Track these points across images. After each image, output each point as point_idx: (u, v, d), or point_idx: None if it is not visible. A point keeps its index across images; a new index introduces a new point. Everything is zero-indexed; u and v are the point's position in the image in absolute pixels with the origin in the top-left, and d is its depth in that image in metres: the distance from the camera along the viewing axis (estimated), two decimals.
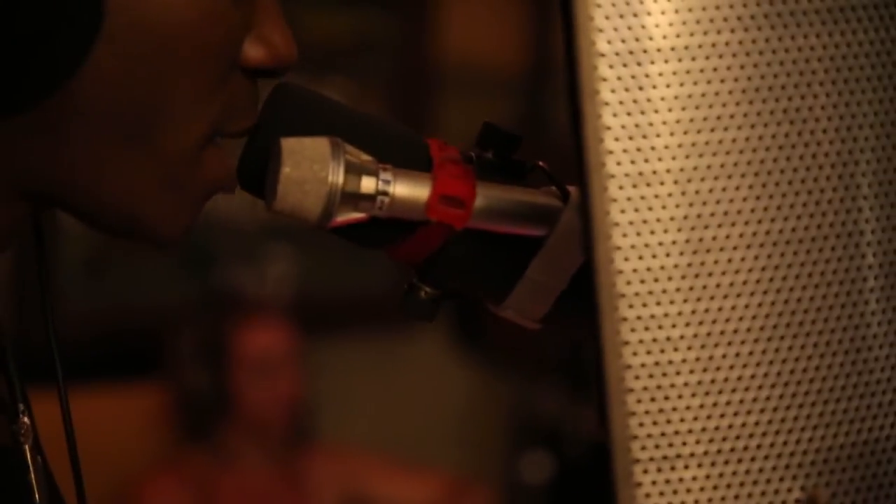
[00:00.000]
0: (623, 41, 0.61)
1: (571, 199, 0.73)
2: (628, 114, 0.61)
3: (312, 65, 3.19)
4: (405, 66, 3.36)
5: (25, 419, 0.74)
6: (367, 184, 0.71)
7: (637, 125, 0.61)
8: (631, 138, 0.61)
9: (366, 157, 0.71)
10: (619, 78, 0.61)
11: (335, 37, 3.25)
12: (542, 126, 3.56)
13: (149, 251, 2.91)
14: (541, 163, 0.76)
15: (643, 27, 0.61)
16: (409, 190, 0.72)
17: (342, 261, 3.20)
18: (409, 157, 0.74)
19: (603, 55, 0.60)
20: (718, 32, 0.61)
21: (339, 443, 2.91)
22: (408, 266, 0.77)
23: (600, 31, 0.60)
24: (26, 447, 0.73)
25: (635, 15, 0.61)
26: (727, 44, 0.61)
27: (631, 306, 0.61)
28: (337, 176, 0.70)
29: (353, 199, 0.71)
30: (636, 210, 0.61)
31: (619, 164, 0.61)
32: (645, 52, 0.61)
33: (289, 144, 0.70)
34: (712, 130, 0.62)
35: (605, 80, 0.61)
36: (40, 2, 0.64)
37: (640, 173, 0.61)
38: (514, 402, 3.42)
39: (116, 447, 2.75)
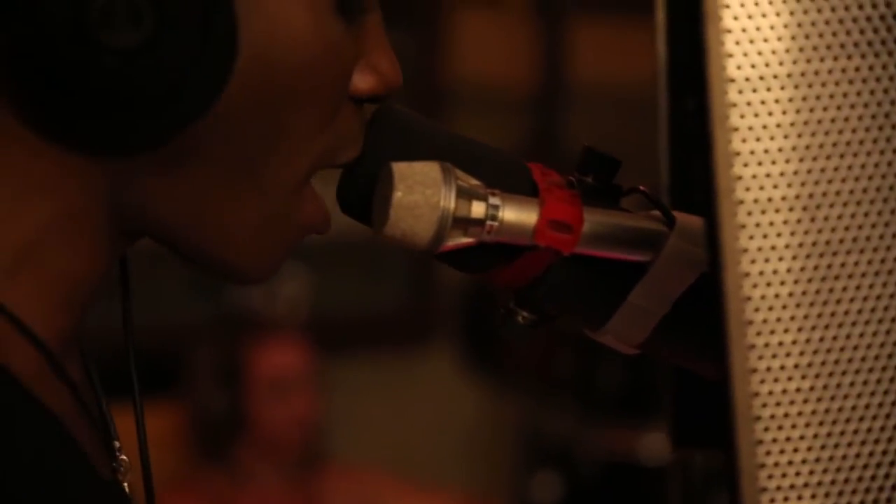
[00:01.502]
0: (752, 66, 0.60)
1: (678, 225, 0.73)
2: (757, 139, 0.60)
3: None
4: (417, 85, 3.36)
5: (124, 457, 0.73)
6: (478, 208, 0.70)
7: (766, 151, 0.60)
8: (759, 164, 0.61)
9: (475, 182, 0.71)
10: (748, 103, 0.60)
11: None
12: (552, 143, 3.57)
13: (165, 271, 2.91)
14: (642, 187, 0.75)
15: (773, 52, 0.60)
16: (517, 214, 0.71)
17: (355, 281, 3.19)
18: (513, 182, 0.73)
19: (733, 80, 0.60)
20: (842, 59, 0.61)
21: (352, 462, 2.90)
22: (505, 289, 0.76)
23: (730, 56, 0.60)
24: (125, 485, 0.73)
25: (765, 40, 0.60)
26: (853, 70, 0.61)
27: (759, 333, 0.61)
28: (449, 201, 0.69)
29: (464, 223, 0.70)
30: (764, 236, 0.61)
31: (747, 189, 0.60)
32: (774, 77, 0.60)
33: (400, 169, 0.70)
34: (839, 157, 0.61)
35: (734, 105, 0.60)
36: (178, 44, 0.63)
37: (769, 199, 0.61)
38: (524, 422, 3.41)
39: (132, 465, 2.74)
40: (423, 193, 0.69)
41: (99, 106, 0.64)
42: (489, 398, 3.43)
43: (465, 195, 0.70)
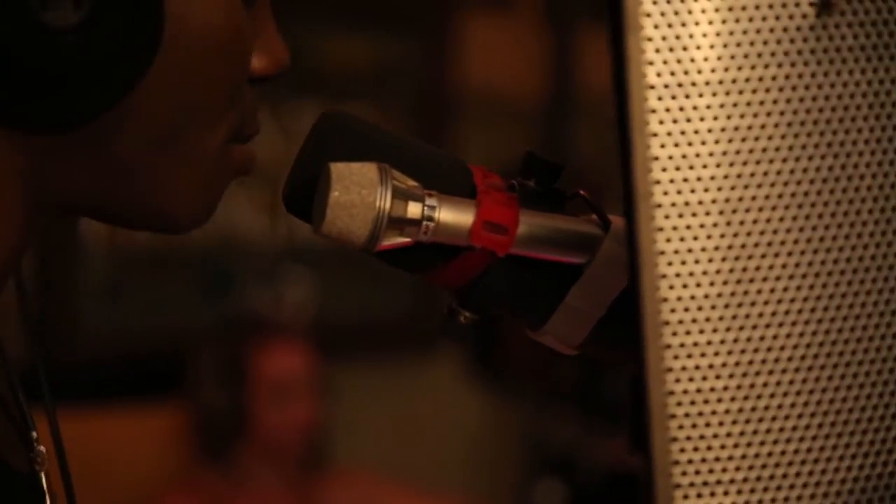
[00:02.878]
0: (672, 73, 0.62)
1: (612, 228, 0.74)
2: (675, 145, 0.62)
3: (334, 90, 3.21)
4: (426, 93, 3.38)
5: (41, 447, 0.75)
6: (414, 209, 0.72)
7: (684, 156, 0.62)
8: (678, 168, 0.62)
9: (412, 183, 0.73)
10: (667, 109, 0.62)
11: (357, 63, 3.27)
12: (561, 153, 3.58)
13: (170, 274, 2.93)
14: (581, 191, 0.77)
15: (692, 60, 0.62)
16: (453, 215, 0.73)
17: (360, 286, 3.21)
18: (453, 184, 0.75)
19: (652, 87, 0.62)
20: (764, 67, 0.63)
21: (353, 467, 2.92)
22: (447, 290, 0.78)
23: (650, 63, 0.62)
24: (42, 474, 0.75)
25: (685, 48, 0.62)
26: (771, 78, 0.63)
27: (675, 334, 0.62)
28: (384, 201, 0.71)
29: (400, 223, 0.72)
30: (681, 239, 0.62)
31: (665, 193, 0.62)
32: (693, 84, 0.62)
33: (338, 169, 0.72)
34: (756, 162, 0.63)
35: (654, 111, 0.62)
36: (113, 24, 0.66)
37: (686, 203, 0.62)
38: (527, 429, 3.42)
39: (135, 467, 2.76)
40: (359, 193, 0.71)
41: (32, 85, 0.66)
42: (493, 405, 3.45)
43: (402, 196, 0.72)
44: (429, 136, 3.38)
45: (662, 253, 0.62)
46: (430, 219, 0.72)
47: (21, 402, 0.77)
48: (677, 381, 0.62)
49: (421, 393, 3.37)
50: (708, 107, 0.62)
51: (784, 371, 0.63)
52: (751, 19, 0.62)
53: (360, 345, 3.25)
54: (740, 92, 0.62)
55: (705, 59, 0.62)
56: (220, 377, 2.70)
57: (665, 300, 0.62)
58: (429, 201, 0.73)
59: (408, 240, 0.73)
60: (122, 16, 0.66)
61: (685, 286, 0.62)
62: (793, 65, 0.63)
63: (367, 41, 3.29)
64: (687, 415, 0.62)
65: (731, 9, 0.62)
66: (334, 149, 0.74)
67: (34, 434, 0.76)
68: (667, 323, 0.62)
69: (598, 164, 3.53)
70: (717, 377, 0.63)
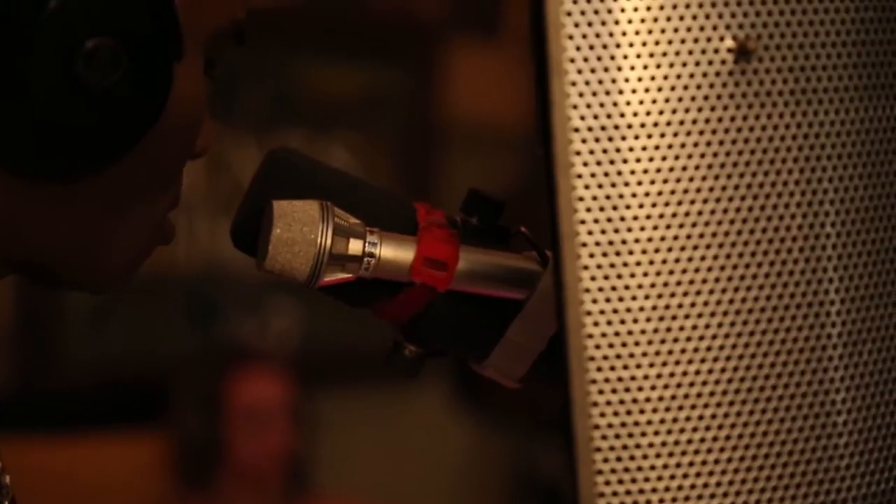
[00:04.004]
0: (596, 117, 0.64)
1: (551, 265, 0.76)
2: (600, 186, 0.64)
3: (321, 119, 3.24)
4: (413, 123, 3.40)
5: (7, 479, 0.77)
6: (354, 246, 0.74)
7: (608, 196, 0.64)
8: (602, 209, 0.64)
9: (354, 220, 0.75)
10: (591, 152, 0.64)
11: (344, 93, 3.30)
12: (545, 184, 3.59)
13: (154, 301, 2.95)
14: (523, 228, 0.79)
15: (615, 104, 0.64)
16: (394, 252, 0.75)
17: (344, 315, 3.22)
18: (396, 221, 0.77)
19: (577, 130, 0.64)
20: (685, 111, 0.65)
21: (338, 495, 2.93)
22: (392, 324, 0.80)
23: (574, 107, 0.64)
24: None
25: (608, 93, 0.64)
26: (692, 121, 0.65)
27: (599, 369, 0.64)
28: (325, 238, 0.73)
29: (341, 260, 0.74)
30: (606, 277, 0.64)
31: (590, 233, 0.64)
32: (617, 127, 0.64)
33: (280, 207, 0.74)
34: (680, 203, 0.65)
35: (578, 153, 0.64)
36: (135, 84, 0.70)
37: (611, 242, 0.64)
38: (512, 458, 3.43)
39: (116, 494, 2.77)
40: (300, 231, 0.73)
41: (53, 134, 0.70)
42: (478, 434, 3.46)
43: (343, 233, 0.74)
44: (415, 165, 3.41)
45: (588, 290, 0.64)
46: (371, 255, 0.74)
47: None
48: (602, 415, 0.64)
49: (406, 421, 3.38)
50: (631, 149, 0.64)
51: (706, 405, 0.65)
52: (672, 65, 0.64)
53: (344, 373, 3.26)
54: (662, 135, 0.64)
55: (628, 104, 0.64)
56: (201, 405, 2.72)
57: (590, 336, 0.64)
58: (370, 238, 0.75)
59: (349, 276, 0.75)
60: (144, 85, 0.71)
61: (610, 323, 0.64)
62: (712, 108, 0.65)
63: (355, 71, 3.31)
64: (612, 448, 0.64)
65: (652, 55, 0.64)
66: (279, 186, 0.77)
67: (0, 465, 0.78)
68: (592, 358, 0.64)
69: None
70: (642, 412, 0.64)
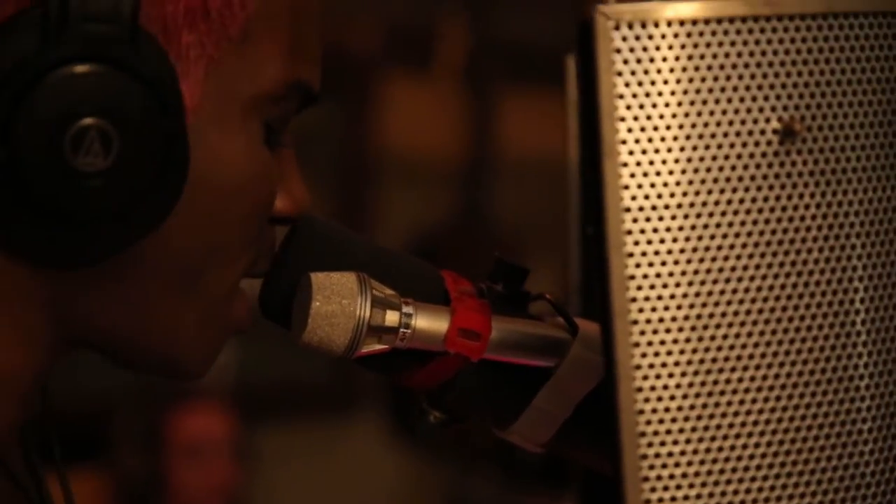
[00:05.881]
0: (647, 197, 0.65)
1: (580, 333, 0.77)
2: (650, 265, 0.65)
3: None
4: (346, 156, 3.41)
5: None
6: (392, 317, 0.75)
7: (658, 275, 0.65)
8: (652, 287, 0.65)
9: (389, 292, 0.75)
10: (642, 231, 0.65)
11: None
12: (479, 217, 3.62)
13: None
14: (548, 295, 0.80)
15: (665, 185, 0.65)
16: (429, 323, 0.75)
17: (281, 349, 3.21)
18: (426, 290, 0.78)
19: (628, 210, 0.65)
20: (732, 191, 0.66)
21: None
22: (417, 390, 0.80)
23: (626, 188, 0.65)
24: None
25: (658, 174, 0.65)
26: (738, 201, 0.66)
27: (650, 445, 0.65)
28: (364, 310, 0.74)
29: (378, 331, 0.74)
30: (656, 354, 0.65)
31: (641, 310, 0.65)
32: (667, 207, 0.65)
33: (318, 279, 0.74)
34: (728, 281, 0.66)
35: (629, 232, 0.65)
36: (136, 172, 0.68)
37: (661, 319, 0.66)
38: (448, 490, 3.44)
39: None
40: (339, 303, 0.73)
41: (57, 223, 0.68)
42: (413, 466, 3.46)
43: (380, 305, 0.74)
44: (351, 198, 3.41)
45: (638, 367, 0.65)
46: (407, 326, 0.75)
47: (45, 496, 0.78)
48: (653, 490, 0.65)
49: (343, 455, 3.37)
50: (679, 228, 0.66)
51: (753, 479, 0.66)
52: (719, 146, 0.66)
53: (281, 407, 3.25)
54: (709, 214, 0.66)
55: (678, 184, 0.65)
56: (141, 441, 2.69)
57: (641, 412, 0.65)
58: (405, 309, 0.75)
59: (385, 346, 0.75)
60: (146, 164, 0.68)
61: (659, 399, 0.65)
62: (758, 188, 0.66)
63: None
64: None
65: (700, 136, 0.66)
66: (313, 257, 0.77)
67: None
68: (643, 434, 0.65)
69: (517, 224, 3.58)
70: (691, 486, 0.66)
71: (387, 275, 0.77)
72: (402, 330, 0.75)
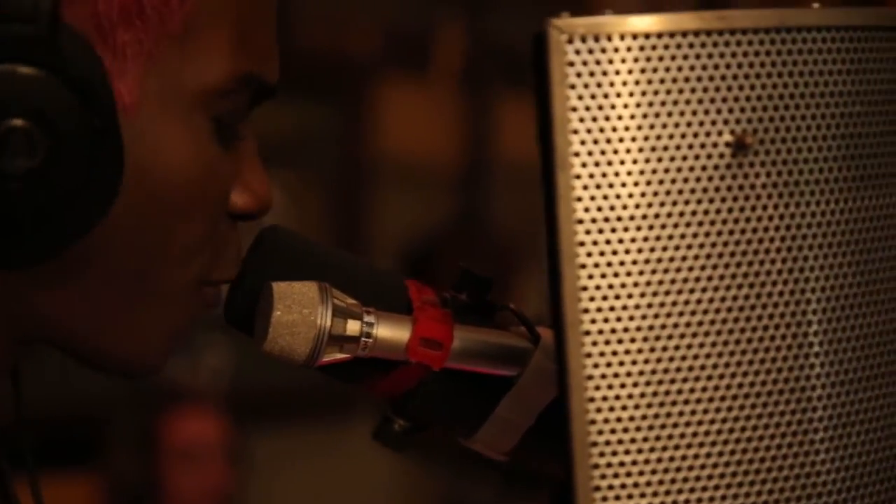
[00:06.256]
0: (599, 209, 0.66)
1: (542, 342, 0.78)
2: (603, 276, 0.66)
3: None
4: (344, 160, 3.42)
5: None
6: (353, 327, 0.75)
7: (611, 286, 0.66)
8: (605, 298, 0.66)
9: (351, 301, 0.76)
10: (594, 242, 0.66)
11: (275, 130, 3.30)
12: (476, 221, 3.63)
13: None
14: (511, 305, 0.80)
15: (618, 196, 0.66)
16: (391, 332, 0.76)
17: None
18: (391, 300, 0.78)
19: (581, 222, 0.66)
20: (685, 203, 0.67)
21: None
22: (382, 399, 0.81)
23: (579, 199, 0.66)
24: None
25: (611, 185, 0.66)
26: (691, 213, 0.67)
27: (602, 454, 0.66)
28: (325, 320, 0.74)
29: (339, 340, 0.75)
30: (608, 365, 0.66)
31: (593, 321, 0.66)
32: (619, 219, 0.66)
33: (280, 289, 0.75)
34: (680, 292, 0.67)
35: (582, 244, 0.66)
36: (66, 170, 0.68)
37: (613, 330, 0.66)
38: (444, 492, 3.44)
39: None
40: (300, 313, 0.74)
41: None
42: (410, 469, 3.47)
43: (341, 314, 0.75)
44: (348, 201, 3.42)
45: (591, 378, 0.66)
46: (369, 335, 0.76)
47: (11, 495, 0.79)
48: (604, 499, 0.66)
49: (337, 458, 3.38)
50: (633, 240, 0.66)
51: (704, 488, 0.67)
52: (672, 158, 0.66)
53: (276, 411, 3.25)
54: (662, 226, 0.66)
55: (630, 196, 0.66)
56: (135, 446, 2.70)
57: (593, 422, 0.66)
58: (367, 318, 0.76)
59: (347, 355, 0.76)
60: (76, 164, 0.68)
61: (612, 409, 0.66)
62: (710, 201, 0.67)
63: (286, 108, 3.31)
64: None
65: (653, 148, 0.66)
66: (275, 266, 0.77)
67: None
68: (595, 444, 0.66)
69: (513, 229, 3.58)
70: (642, 495, 0.66)
71: (350, 284, 0.77)
72: (363, 339, 0.76)
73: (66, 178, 0.68)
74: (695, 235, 0.67)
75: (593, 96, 0.65)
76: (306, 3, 3.37)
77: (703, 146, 0.66)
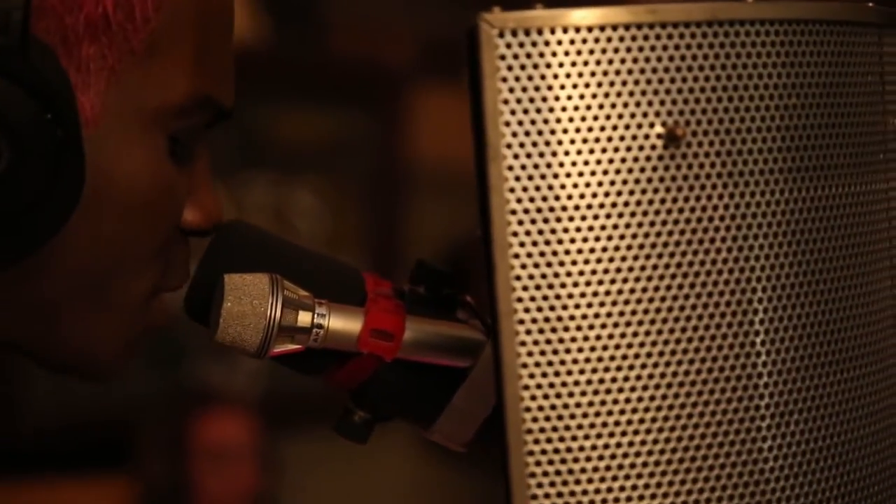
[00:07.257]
0: (532, 200, 0.67)
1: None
2: (536, 265, 0.67)
3: (287, 164, 3.26)
4: (379, 166, 3.44)
5: None
6: (303, 318, 0.77)
7: (545, 276, 0.67)
8: (539, 288, 0.67)
9: (303, 293, 0.78)
10: (528, 233, 0.67)
11: (311, 137, 3.33)
12: None
13: None
14: (468, 298, 0.82)
15: (551, 188, 0.67)
16: (342, 324, 0.78)
17: None
18: (345, 292, 0.80)
19: (514, 212, 0.67)
20: (620, 193, 0.68)
21: None
22: (341, 390, 0.83)
23: (512, 190, 0.67)
24: None
25: (543, 177, 0.67)
26: (629, 203, 0.68)
27: (537, 441, 0.67)
28: (275, 311, 0.76)
29: (290, 331, 0.77)
30: (543, 353, 0.67)
31: (527, 311, 0.67)
32: (552, 210, 0.67)
33: (232, 280, 0.76)
34: (614, 281, 0.68)
35: (515, 234, 0.67)
36: (27, 180, 0.70)
37: (547, 319, 0.67)
38: (479, 497, 3.45)
39: None
40: (250, 304, 0.76)
41: None
42: (445, 476, 3.47)
43: (292, 305, 0.77)
44: (383, 210, 3.43)
45: (525, 366, 0.67)
46: (320, 327, 0.77)
47: None
48: (539, 485, 0.67)
49: (367, 461, 3.39)
50: (566, 230, 0.67)
51: (640, 475, 0.68)
52: (605, 150, 0.67)
53: (309, 415, 3.27)
54: (596, 216, 0.67)
55: (563, 187, 0.67)
56: (168, 447, 2.73)
57: (528, 409, 0.67)
58: (318, 310, 0.77)
59: (298, 346, 0.77)
60: (38, 174, 0.70)
61: (546, 396, 0.67)
62: (643, 192, 0.68)
63: (322, 116, 3.34)
64: None
65: (586, 140, 0.67)
66: (231, 259, 0.79)
67: None
68: (529, 431, 0.67)
69: None
70: (577, 482, 0.67)
71: (306, 277, 0.79)
72: (315, 330, 0.77)
73: (28, 187, 0.70)
74: (627, 226, 0.68)
75: (525, 89, 0.66)
76: (342, 11, 3.40)
77: (634, 138, 0.67)
